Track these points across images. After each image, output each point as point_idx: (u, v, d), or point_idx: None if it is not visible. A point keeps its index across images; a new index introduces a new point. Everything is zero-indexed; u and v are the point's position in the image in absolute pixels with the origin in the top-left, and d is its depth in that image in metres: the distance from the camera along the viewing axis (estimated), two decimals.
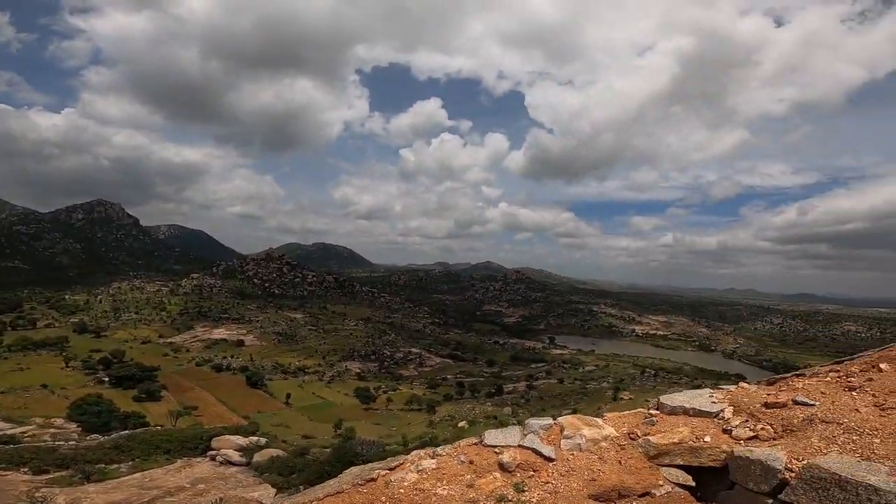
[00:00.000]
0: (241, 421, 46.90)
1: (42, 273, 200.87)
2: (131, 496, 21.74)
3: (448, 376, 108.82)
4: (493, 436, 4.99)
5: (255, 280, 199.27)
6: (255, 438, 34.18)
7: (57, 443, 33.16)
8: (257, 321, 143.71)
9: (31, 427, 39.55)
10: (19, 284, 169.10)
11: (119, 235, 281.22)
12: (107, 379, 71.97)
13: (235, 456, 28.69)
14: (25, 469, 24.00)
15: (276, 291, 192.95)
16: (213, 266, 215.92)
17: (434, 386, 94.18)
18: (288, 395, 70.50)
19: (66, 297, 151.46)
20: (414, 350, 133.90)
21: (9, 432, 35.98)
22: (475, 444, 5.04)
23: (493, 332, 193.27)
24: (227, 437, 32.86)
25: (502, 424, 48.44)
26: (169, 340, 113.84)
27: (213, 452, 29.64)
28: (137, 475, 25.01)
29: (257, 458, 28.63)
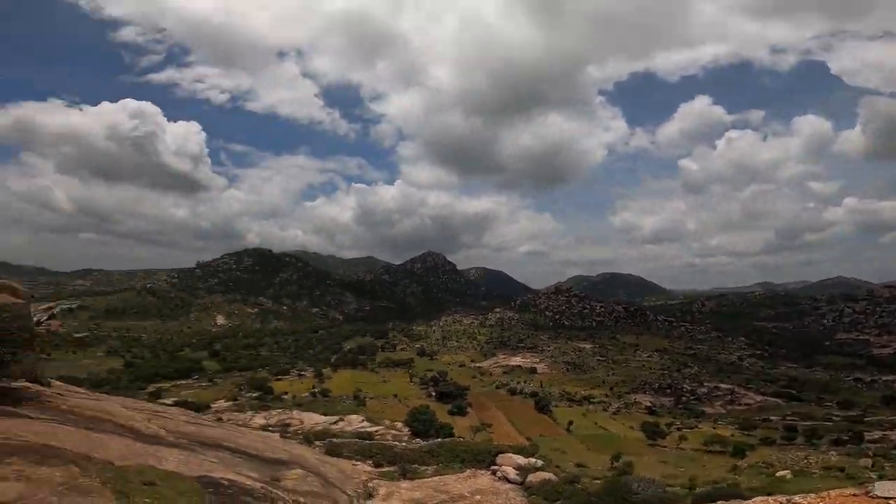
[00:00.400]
0: (524, 442, 50.30)
1: (399, 310, 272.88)
2: (426, 496, 26.62)
3: (772, 417, 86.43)
4: (886, 487, 4.45)
5: (547, 312, 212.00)
6: (532, 460, 36.20)
7: (394, 442, 43.60)
8: (548, 350, 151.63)
9: (381, 427, 53.47)
10: (387, 319, 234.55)
11: (444, 279, 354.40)
12: (434, 394, 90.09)
13: (512, 473, 31.34)
14: (370, 462, 32.88)
15: (566, 323, 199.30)
16: (511, 301, 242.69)
17: (749, 427, 75.96)
18: (570, 423, 70.72)
19: (413, 328, 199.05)
20: (723, 385, 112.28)
21: (368, 430, 49.88)
22: (854, 494, 4.50)
23: (852, 367, 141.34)
24: (510, 455, 36.09)
25: (851, 478, 34.53)
26: (477, 365, 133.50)
27: (495, 467, 33.15)
28: (436, 478, 30.35)
29: (531, 478, 30.41)
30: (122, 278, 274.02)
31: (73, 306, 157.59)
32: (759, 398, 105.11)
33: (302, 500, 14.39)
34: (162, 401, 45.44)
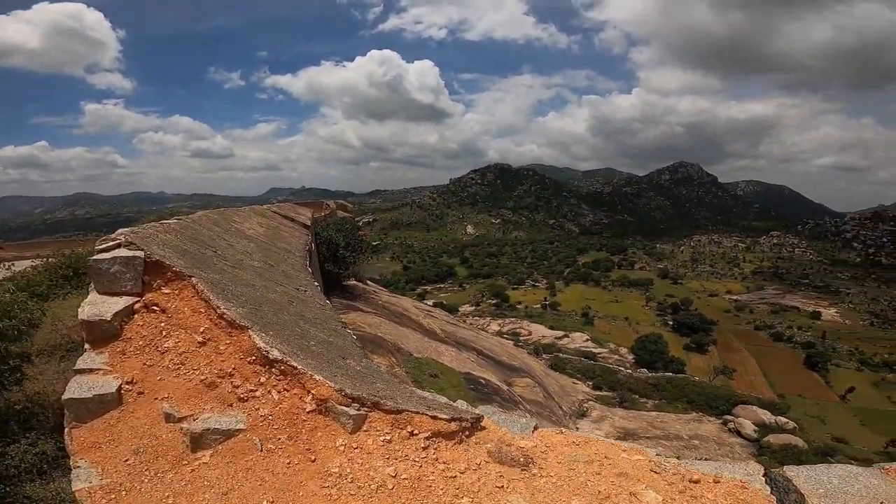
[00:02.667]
0: (772, 397, 43.27)
1: (641, 225, 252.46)
2: (639, 428, 26.63)
3: None
4: None
5: (855, 243, 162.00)
6: (781, 419, 31.69)
7: (618, 368, 43.53)
8: (847, 294, 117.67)
9: (605, 350, 53.97)
10: (626, 234, 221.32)
11: (699, 193, 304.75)
12: (671, 323, 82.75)
13: (748, 429, 28.71)
14: (590, 383, 32.69)
15: (884, 261, 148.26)
16: (797, 224, 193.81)
17: None
18: (850, 389, 53.60)
19: (657, 246, 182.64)
20: None
21: (592, 350, 51.56)
22: None
23: None
24: (753, 408, 32.68)
25: None
26: (735, 297, 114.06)
27: (729, 417, 30.83)
28: (654, 413, 30.02)
29: (770, 438, 28.00)
30: (399, 196, 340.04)
31: (371, 220, 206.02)
32: None
33: (528, 406, 15.92)
34: (425, 301, 56.19)
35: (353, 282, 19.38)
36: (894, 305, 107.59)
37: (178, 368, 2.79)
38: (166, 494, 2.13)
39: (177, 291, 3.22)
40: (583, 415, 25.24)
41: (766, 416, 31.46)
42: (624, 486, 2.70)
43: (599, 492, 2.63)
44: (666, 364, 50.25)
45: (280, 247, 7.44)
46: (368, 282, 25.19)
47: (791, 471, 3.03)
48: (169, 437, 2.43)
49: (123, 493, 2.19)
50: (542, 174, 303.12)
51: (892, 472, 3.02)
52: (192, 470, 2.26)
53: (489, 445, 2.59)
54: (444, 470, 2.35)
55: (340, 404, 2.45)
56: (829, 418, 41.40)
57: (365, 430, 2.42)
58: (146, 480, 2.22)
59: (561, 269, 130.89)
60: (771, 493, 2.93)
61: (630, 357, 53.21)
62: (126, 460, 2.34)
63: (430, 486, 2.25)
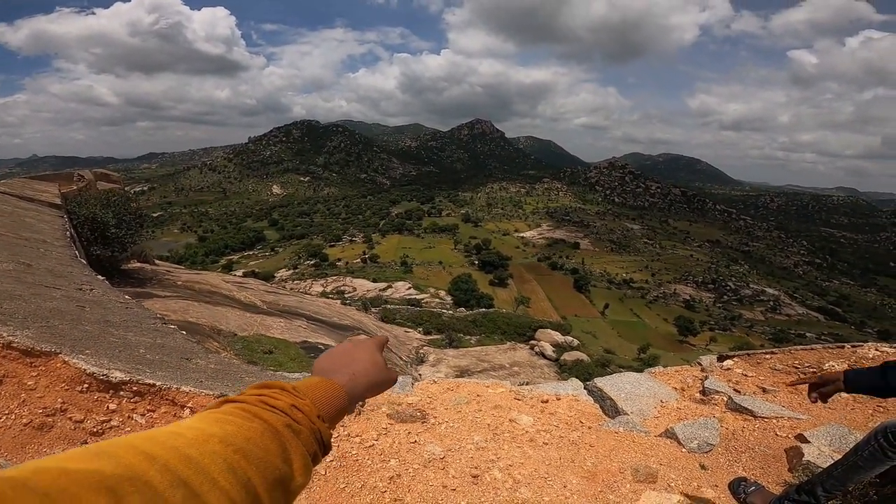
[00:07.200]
0: (558, 319, 52.60)
1: (445, 175, 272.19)
2: (470, 364, 28.99)
3: (808, 334, 78.16)
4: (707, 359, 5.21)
5: (598, 187, 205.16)
6: (569, 338, 38.01)
7: (441, 310, 45.98)
8: (594, 226, 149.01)
9: (426, 295, 56.12)
10: (433, 184, 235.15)
11: (491, 146, 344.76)
12: (477, 262, 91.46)
13: (549, 350, 33.24)
14: (420, 329, 34.86)
15: (617, 199, 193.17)
16: (560, 172, 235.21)
17: (781, 341, 66.92)
18: (606, 306, 71.16)
19: (459, 194, 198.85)
20: (770, 290, 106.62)
21: (416, 297, 52.88)
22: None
23: None
24: (549, 331, 37.69)
25: None
26: (521, 235, 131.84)
27: (534, 342, 35.22)
28: (478, 348, 32.67)
29: (565, 357, 32.35)
30: (182, 158, 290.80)
31: (146, 189, 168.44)
32: (800, 311, 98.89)
33: None
34: (234, 273, 49.51)
35: (136, 264, 16.96)
36: (626, 234, 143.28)
37: None
38: None
39: None
40: (421, 361, 26.38)
41: (558, 336, 37.30)
42: (503, 416, 3.26)
43: (488, 424, 3.12)
44: (478, 300, 54.67)
45: (29, 237, 6.32)
46: (157, 261, 21.71)
47: (599, 381, 3.99)
48: None
49: None
50: (351, 130, 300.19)
51: (658, 375, 4.30)
52: None
53: (384, 409, 2.80)
54: (360, 442, 2.48)
55: None
56: (597, 332, 52.62)
57: None
58: None
59: (376, 222, 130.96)
60: (594, 402, 3.77)
61: (449, 299, 56.18)
62: None
63: (358, 461, 2.37)
